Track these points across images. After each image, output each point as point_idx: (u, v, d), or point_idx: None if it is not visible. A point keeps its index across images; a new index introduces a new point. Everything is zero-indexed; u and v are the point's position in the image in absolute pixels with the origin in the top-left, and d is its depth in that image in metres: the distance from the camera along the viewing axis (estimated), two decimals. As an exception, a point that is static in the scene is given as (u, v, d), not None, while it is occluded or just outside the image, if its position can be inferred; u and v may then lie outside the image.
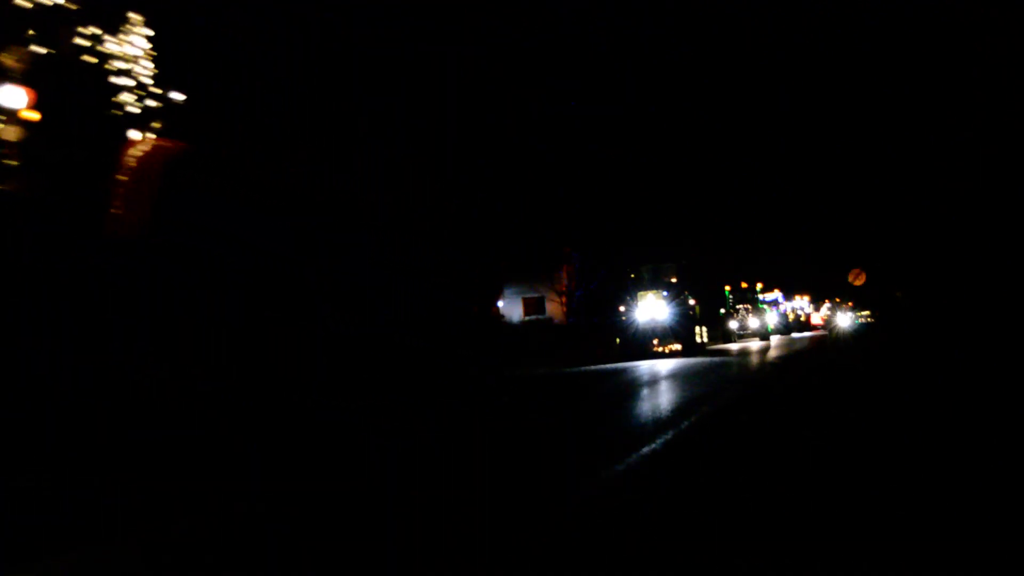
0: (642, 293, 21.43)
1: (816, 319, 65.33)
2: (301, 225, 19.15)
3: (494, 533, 3.62)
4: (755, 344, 30.58)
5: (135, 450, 7.46)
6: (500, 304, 24.97)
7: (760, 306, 34.21)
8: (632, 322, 21.16)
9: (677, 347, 20.74)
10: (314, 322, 17.88)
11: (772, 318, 41.56)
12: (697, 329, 21.88)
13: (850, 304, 75.80)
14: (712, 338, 36.51)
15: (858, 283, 44.18)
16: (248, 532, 3.98)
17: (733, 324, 33.80)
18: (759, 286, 34.91)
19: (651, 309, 20.92)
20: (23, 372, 11.90)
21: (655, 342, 21.09)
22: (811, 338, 38.02)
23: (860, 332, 36.27)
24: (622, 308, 21.63)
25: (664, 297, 21.22)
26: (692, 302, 21.87)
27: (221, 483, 5.45)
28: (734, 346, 30.24)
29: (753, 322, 33.68)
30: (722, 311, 34.35)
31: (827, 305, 71.06)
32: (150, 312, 14.24)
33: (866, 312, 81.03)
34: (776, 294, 44.46)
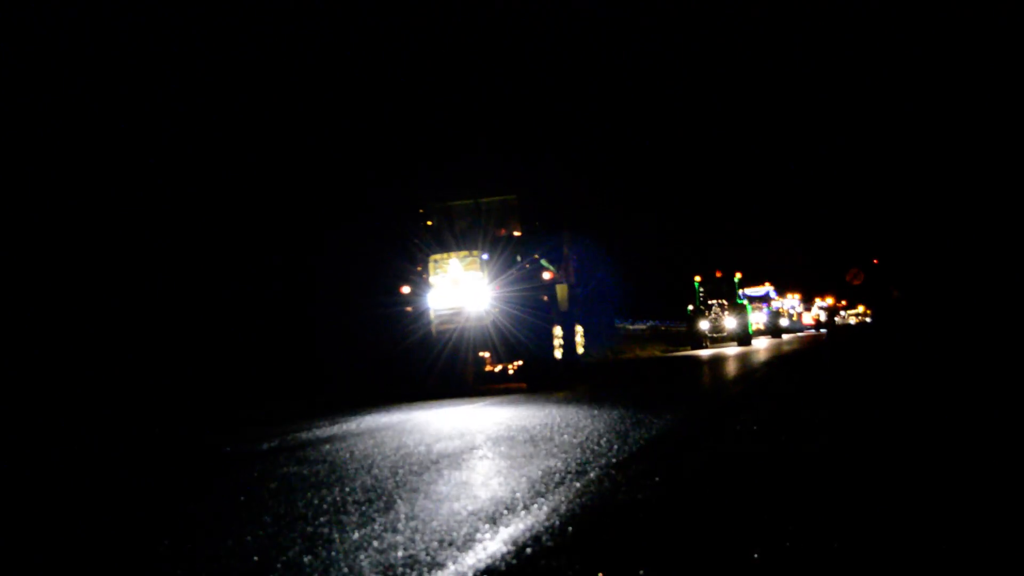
0: (438, 257, 10.57)
1: (807, 319, 61.00)
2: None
3: None
4: (731, 350, 23.89)
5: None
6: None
7: (739, 301, 27.30)
8: (422, 316, 10.59)
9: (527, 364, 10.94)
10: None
11: (759, 317, 35.20)
12: (558, 333, 11.23)
13: (843, 303, 71.91)
14: (684, 340, 30.02)
15: (856, 283, 39.90)
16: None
17: (704, 324, 26.85)
18: (738, 276, 28.00)
19: (459, 291, 10.48)
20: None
21: (485, 358, 10.97)
22: (804, 339, 31.81)
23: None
24: (405, 290, 10.84)
25: (483, 263, 10.48)
26: (547, 276, 11.30)
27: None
28: (705, 352, 23.59)
29: (730, 322, 26.69)
30: (690, 308, 27.51)
31: (818, 304, 67.92)
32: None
33: (860, 310, 78.02)
34: (766, 288, 37.99)
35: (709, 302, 27.14)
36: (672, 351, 26.95)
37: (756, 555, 2.83)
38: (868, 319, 72.61)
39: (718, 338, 27.27)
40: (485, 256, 10.67)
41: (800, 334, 46.35)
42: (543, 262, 11.43)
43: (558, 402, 8.50)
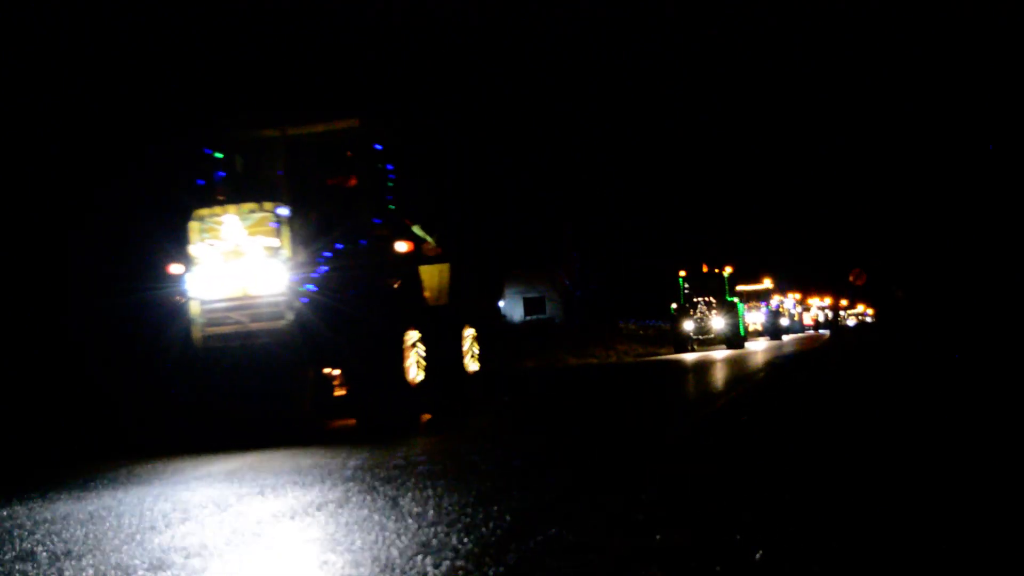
0: (205, 214, 6.42)
1: (807, 319, 58.47)
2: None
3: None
4: (718, 354, 20.76)
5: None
6: (501, 304, 23.94)
7: (729, 299, 24.05)
8: (181, 312, 6.49)
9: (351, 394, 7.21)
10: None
11: (757, 316, 32.13)
12: (413, 340, 7.11)
13: (844, 303, 69.57)
14: (664, 340, 26.89)
15: (859, 283, 39.37)
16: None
17: (688, 325, 23.58)
18: (728, 271, 24.74)
19: (241, 269, 6.37)
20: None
21: (333, 378, 7.20)
22: (807, 341, 28.80)
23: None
24: (175, 269, 6.63)
25: (283, 222, 6.33)
26: (403, 248, 7.18)
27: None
28: (688, 357, 20.47)
29: (717, 322, 23.43)
30: (674, 306, 24.25)
31: (817, 303, 66.20)
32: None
33: (860, 309, 76.08)
34: (765, 285, 35.09)
35: (695, 300, 23.98)
36: (653, 354, 23.81)
37: None
38: (868, 319, 70.20)
39: (705, 340, 24.10)
40: (285, 211, 6.47)
41: (801, 335, 43.55)
42: (416, 229, 7.53)
43: (370, 473, 4.81)
